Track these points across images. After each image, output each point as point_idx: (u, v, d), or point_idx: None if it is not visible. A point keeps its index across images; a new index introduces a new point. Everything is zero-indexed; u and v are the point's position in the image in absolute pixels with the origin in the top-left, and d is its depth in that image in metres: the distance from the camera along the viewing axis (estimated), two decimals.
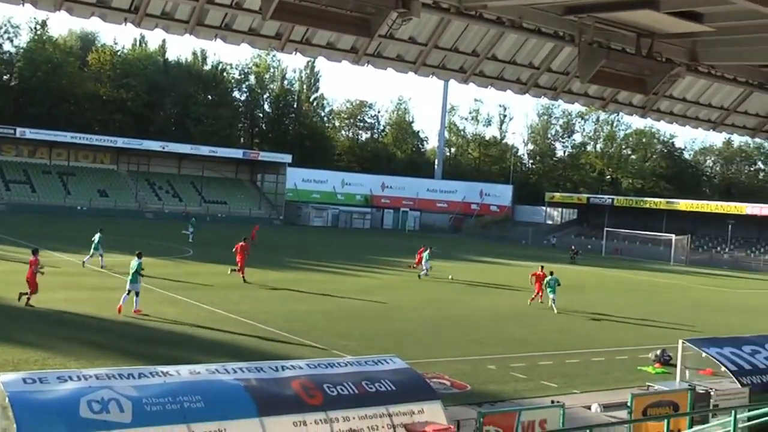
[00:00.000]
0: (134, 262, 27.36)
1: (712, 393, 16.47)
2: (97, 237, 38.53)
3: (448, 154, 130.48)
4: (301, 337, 23.93)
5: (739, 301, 45.08)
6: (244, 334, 24.26)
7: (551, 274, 35.19)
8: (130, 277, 27.01)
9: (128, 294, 26.60)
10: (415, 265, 47.42)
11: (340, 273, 44.12)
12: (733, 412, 13.24)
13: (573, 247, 75.08)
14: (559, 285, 34.49)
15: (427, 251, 46.39)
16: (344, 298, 33.54)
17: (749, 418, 14.80)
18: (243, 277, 36.67)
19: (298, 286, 36.24)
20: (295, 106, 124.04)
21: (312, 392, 10.78)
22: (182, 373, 10.61)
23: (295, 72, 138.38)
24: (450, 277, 45.16)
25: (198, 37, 10.36)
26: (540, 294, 35.07)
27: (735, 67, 12.84)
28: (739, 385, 16.62)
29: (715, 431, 14.54)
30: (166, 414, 9.69)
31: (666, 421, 13.18)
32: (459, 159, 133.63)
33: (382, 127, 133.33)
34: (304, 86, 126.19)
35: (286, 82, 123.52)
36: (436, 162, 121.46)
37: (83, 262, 38.31)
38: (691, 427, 14.59)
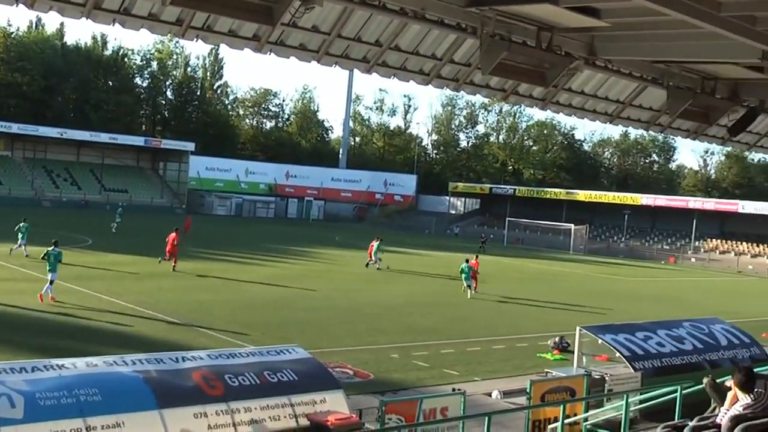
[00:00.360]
0: (51, 250, 27.08)
1: (606, 378, 16.99)
2: (21, 225, 39.05)
3: (352, 143, 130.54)
4: (203, 328, 23.64)
5: (634, 289, 46.61)
6: (144, 324, 23.83)
7: (466, 261, 36.35)
8: (49, 266, 26.68)
9: (51, 283, 26.50)
10: (370, 258, 46.50)
11: (243, 262, 43.71)
12: (625, 396, 13.70)
13: (482, 236, 76.16)
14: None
15: (378, 242, 46.55)
16: (248, 288, 33.24)
17: (641, 401, 15.34)
18: (174, 265, 36.78)
19: (200, 275, 35.87)
20: (198, 93, 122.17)
21: (213, 383, 10.66)
22: (78, 365, 10.34)
23: (198, 59, 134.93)
24: (387, 267, 45.30)
25: (95, 21, 10.03)
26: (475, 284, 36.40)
27: (630, 62, 13.19)
28: (632, 370, 17.20)
29: (608, 414, 15.02)
30: (61, 408, 9.42)
31: (562, 406, 13.53)
32: (364, 148, 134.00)
33: (286, 116, 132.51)
34: (208, 73, 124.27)
35: (189, 69, 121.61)
36: (341, 151, 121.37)
37: (11, 250, 37.98)
38: (586, 411, 15.02)
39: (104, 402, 9.72)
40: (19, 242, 38.61)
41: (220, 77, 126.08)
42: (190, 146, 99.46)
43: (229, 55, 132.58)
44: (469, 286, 35.64)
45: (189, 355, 11.41)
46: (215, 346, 17.73)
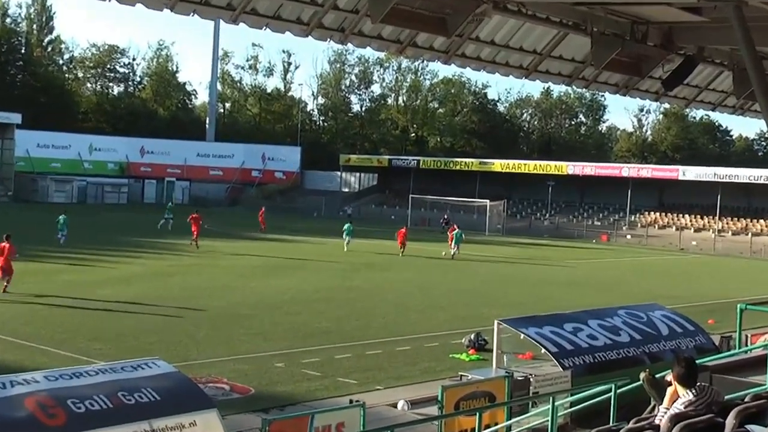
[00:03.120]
0: None
1: (531, 379, 17.31)
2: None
3: (222, 110, 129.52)
4: (40, 343, 23.08)
5: (561, 274, 47.61)
6: None
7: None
8: None
9: None
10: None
11: (90, 261, 42.71)
12: (551, 398, 14.00)
13: (445, 216, 79.15)
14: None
15: (348, 225, 55.29)
16: (97, 292, 32.45)
17: (571, 404, 15.73)
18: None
19: (35, 280, 34.91)
20: (23, 51, 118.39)
21: (52, 411, 10.33)
22: None
23: (21, 7, 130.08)
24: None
25: None
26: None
27: (548, 6, 13.33)
28: (561, 368, 17.58)
29: (534, 422, 15.35)
30: None
31: (479, 414, 13.76)
32: (236, 116, 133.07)
33: (138, 79, 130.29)
34: (34, 26, 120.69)
35: (9, 20, 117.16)
36: (208, 121, 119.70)
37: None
38: (509, 418, 15.32)
39: None
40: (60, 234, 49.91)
41: (51, 30, 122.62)
42: (16, 118, 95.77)
43: (60, 3, 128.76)
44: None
45: (20, 379, 11.02)
46: (56, 365, 17.31)
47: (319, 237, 61.94)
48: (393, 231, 56.62)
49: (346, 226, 55.23)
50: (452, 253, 53.04)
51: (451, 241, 53.91)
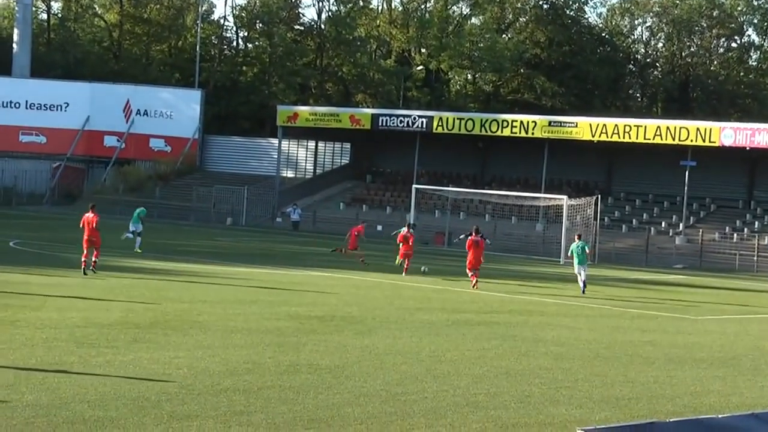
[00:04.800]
0: None
1: None
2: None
3: (46, 18, 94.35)
4: None
5: (710, 343, 28.64)
6: None
7: (579, 238, 37.45)
8: None
9: None
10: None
11: None
12: None
13: (475, 227, 53.81)
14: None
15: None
16: None
17: None
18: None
19: None
20: None
21: None
22: None
23: None
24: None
25: None
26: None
27: None
28: None
29: None
30: None
31: None
32: (72, 30, 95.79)
33: None
34: None
35: None
36: (16, 37, 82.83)
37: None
38: None
39: None
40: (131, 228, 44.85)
41: None
42: None
43: None
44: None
45: None
46: None
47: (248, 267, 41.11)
48: (382, 258, 43.70)
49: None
50: (581, 284, 36.63)
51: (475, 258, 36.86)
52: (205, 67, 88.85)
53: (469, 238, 38.09)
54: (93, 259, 32.66)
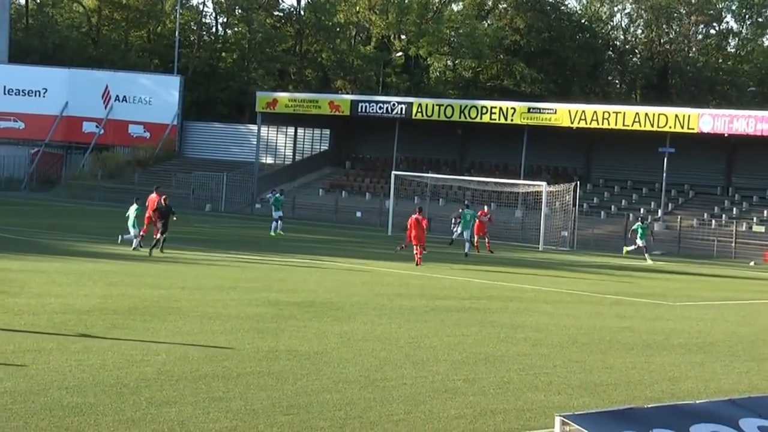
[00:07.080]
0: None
1: None
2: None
3: (23, 3, 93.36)
4: None
5: (687, 329, 29.11)
6: None
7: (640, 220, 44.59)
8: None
9: None
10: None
11: None
12: None
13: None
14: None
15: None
16: None
17: None
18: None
19: None
20: None
21: None
22: None
23: None
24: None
25: None
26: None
27: None
28: None
29: None
30: None
31: None
32: (51, 15, 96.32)
33: None
34: None
35: None
36: None
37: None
38: None
39: None
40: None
41: None
42: None
43: None
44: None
45: None
46: None
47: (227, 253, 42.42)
48: (361, 245, 43.35)
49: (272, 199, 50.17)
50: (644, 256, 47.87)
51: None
52: (184, 53, 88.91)
53: (412, 217, 38.67)
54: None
